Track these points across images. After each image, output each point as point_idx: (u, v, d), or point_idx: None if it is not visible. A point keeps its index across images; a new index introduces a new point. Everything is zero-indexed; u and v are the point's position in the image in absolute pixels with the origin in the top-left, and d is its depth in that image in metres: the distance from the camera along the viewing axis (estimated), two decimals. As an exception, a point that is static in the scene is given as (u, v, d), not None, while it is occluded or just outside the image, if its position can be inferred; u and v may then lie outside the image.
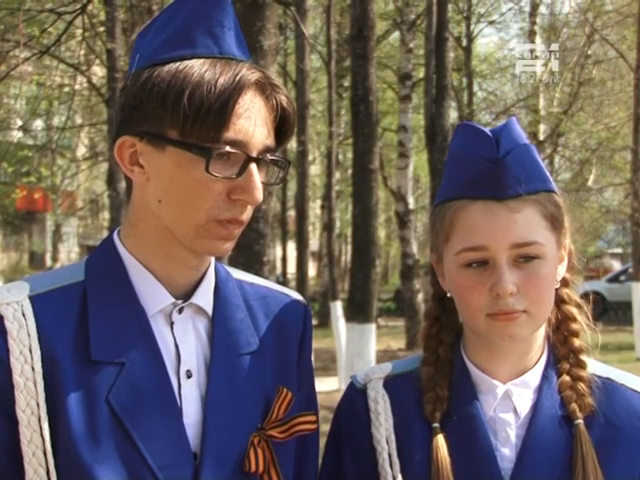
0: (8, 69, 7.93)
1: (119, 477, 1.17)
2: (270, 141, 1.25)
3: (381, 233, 30.73)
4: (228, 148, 1.19)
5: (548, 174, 1.38)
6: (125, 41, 10.40)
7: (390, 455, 1.39)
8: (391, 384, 1.44)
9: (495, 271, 1.31)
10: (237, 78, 1.20)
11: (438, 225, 1.38)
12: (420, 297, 14.80)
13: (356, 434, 1.43)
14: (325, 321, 16.37)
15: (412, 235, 14.61)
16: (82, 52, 11.02)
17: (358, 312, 7.56)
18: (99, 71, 14.03)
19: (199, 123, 1.18)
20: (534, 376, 1.39)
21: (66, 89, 13.51)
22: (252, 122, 1.21)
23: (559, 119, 16.41)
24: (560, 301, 1.42)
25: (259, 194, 1.22)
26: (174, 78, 1.19)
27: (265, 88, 1.24)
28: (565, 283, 1.43)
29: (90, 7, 7.48)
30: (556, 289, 1.39)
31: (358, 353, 7.48)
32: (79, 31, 9.22)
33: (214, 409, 1.25)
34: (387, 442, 1.39)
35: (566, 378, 1.38)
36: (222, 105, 1.18)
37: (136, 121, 1.22)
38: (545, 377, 1.39)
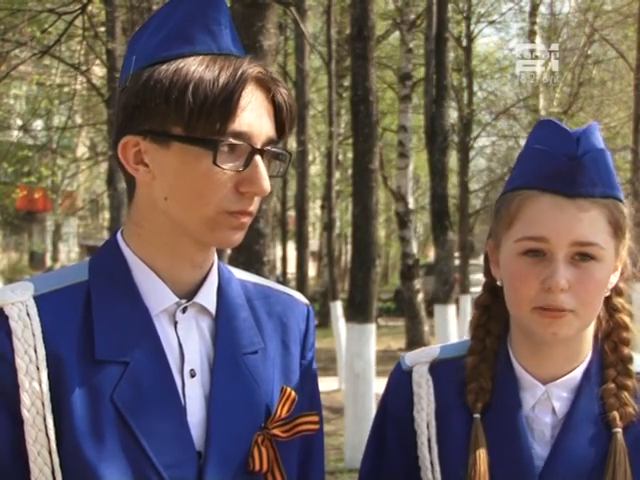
0: (8, 69, 7.93)
1: (123, 476, 1.17)
2: (272, 133, 1.26)
3: (381, 233, 30.75)
4: (233, 140, 1.20)
5: (618, 184, 1.39)
6: (125, 41, 10.38)
7: (429, 440, 1.41)
8: (436, 369, 1.46)
9: (551, 265, 1.31)
10: (239, 72, 1.21)
11: (503, 211, 1.39)
12: (420, 297, 14.80)
13: (400, 416, 1.45)
14: (325, 321, 16.37)
15: (412, 235, 14.63)
16: (82, 52, 11.02)
17: (358, 312, 7.55)
18: (99, 71, 14.03)
19: (204, 117, 1.19)
20: (576, 378, 1.39)
21: (66, 89, 13.50)
22: (255, 115, 1.23)
23: (559, 119, 16.39)
24: (613, 309, 1.43)
25: (267, 184, 1.23)
26: (176, 75, 1.20)
27: (265, 82, 1.25)
28: (618, 292, 1.44)
29: (90, 7, 7.48)
30: (609, 297, 1.40)
31: (358, 353, 7.47)
32: (79, 31, 9.22)
33: (218, 408, 1.25)
34: (427, 427, 1.41)
35: (611, 385, 1.38)
36: (226, 98, 1.19)
37: (138, 120, 1.23)
38: (588, 381, 1.39)
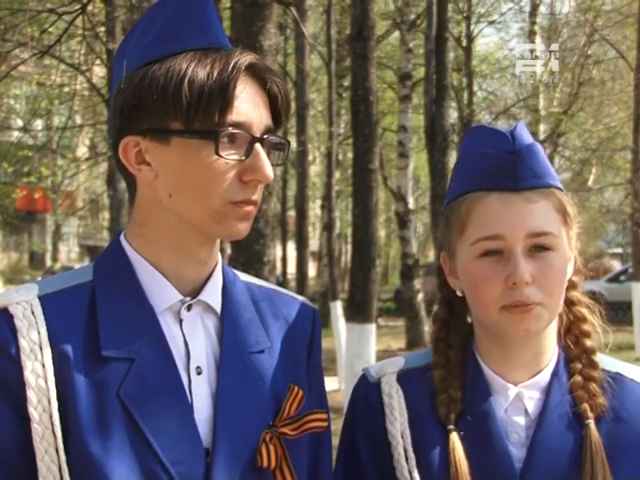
0: (8, 69, 7.92)
1: (131, 472, 1.18)
2: (269, 122, 1.27)
3: (381, 233, 30.74)
4: (233, 130, 1.21)
5: (556, 174, 1.41)
6: (125, 41, 10.34)
7: (405, 450, 1.39)
8: (404, 379, 1.45)
9: (511, 261, 1.32)
10: (232, 62, 1.22)
11: (453, 219, 1.39)
12: (420, 297, 14.80)
13: (371, 428, 1.43)
14: (325, 321, 16.37)
15: (412, 235, 14.62)
16: (82, 52, 11.01)
17: (358, 312, 7.56)
18: (99, 71, 14.01)
19: (202, 109, 1.20)
20: (546, 377, 1.40)
21: (66, 89, 13.49)
22: (252, 104, 1.24)
23: (559, 119, 16.40)
24: (570, 303, 1.44)
25: (270, 171, 1.24)
26: (170, 71, 1.21)
27: (258, 71, 1.26)
28: (573, 285, 1.45)
29: (90, 7, 7.48)
30: (565, 291, 1.40)
31: (358, 353, 7.48)
32: (79, 31, 9.21)
33: (225, 405, 1.26)
34: (402, 436, 1.40)
35: (578, 378, 1.39)
36: (223, 88, 1.20)
37: (137, 120, 1.24)
38: (556, 377, 1.40)
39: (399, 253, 17.52)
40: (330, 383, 9.87)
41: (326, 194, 15.57)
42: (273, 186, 4.77)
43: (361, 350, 7.45)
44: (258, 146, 1.24)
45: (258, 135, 1.24)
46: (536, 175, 1.35)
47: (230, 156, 1.22)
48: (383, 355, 10.90)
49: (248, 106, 1.23)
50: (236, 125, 1.22)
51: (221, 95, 1.20)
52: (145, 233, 1.29)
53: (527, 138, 1.37)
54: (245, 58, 1.24)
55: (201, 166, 1.21)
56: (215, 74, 1.21)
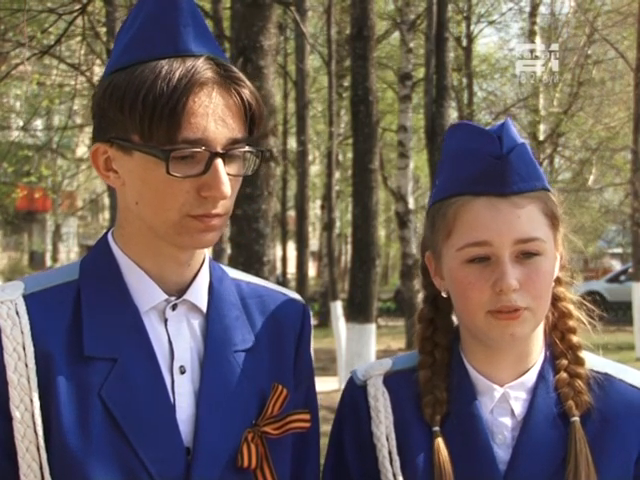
0: (8, 69, 7.93)
1: (110, 470, 1.18)
2: (237, 134, 1.24)
3: (381, 233, 30.73)
4: (187, 148, 1.19)
5: (543, 174, 1.40)
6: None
7: (390, 452, 1.38)
8: (391, 381, 1.43)
9: (498, 267, 1.31)
10: (190, 76, 1.19)
11: (439, 222, 1.38)
12: (420, 297, 14.79)
13: (357, 431, 1.42)
14: (325, 321, 16.37)
15: (412, 235, 14.61)
16: (82, 52, 11.01)
17: (358, 312, 7.57)
18: (99, 71, 14.01)
19: (155, 126, 1.18)
20: (532, 377, 1.39)
21: (66, 89, 13.50)
22: (210, 118, 1.20)
23: (559, 119, 16.40)
24: (555, 299, 1.43)
25: (226, 189, 1.21)
26: (130, 83, 1.20)
27: (222, 82, 1.23)
28: (559, 281, 1.43)
29: (90, 7, 7.48)
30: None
31: (358, 353, 7.48)
32: (79, 31, 9.21)
33: (207, 404, 1.26)
34: (387, 439, 1.39)
35: (563, 375, 1.38)
36: (173, 106, 1.18)
37: (104, 128, 1.24)
38: (542, 376, 1.38)
39: (399, 253, 17.53)
40: (330, 383, 9.86)
41: (326, 194, 15.56)
42: (273, 186, 4.77)
43: (361, 350, 7.45)
44: (218, 162, 1.21)
45: (220, 149, 1.21)
46: (523, 179, 1.33)
47: (185, 173, 1.19)
48: (383, 355, 10.87)
49: (205, 121, 1.20)
50: (192, 142, 1.19)
51: (171, 113, 1.17)
52: (125, 234, 1.30)
53: (514, 139, 1.35)
54: (205, 72, 1.21)
55: (159, 181, 1.21)
56: (169, 90, 1.18)
